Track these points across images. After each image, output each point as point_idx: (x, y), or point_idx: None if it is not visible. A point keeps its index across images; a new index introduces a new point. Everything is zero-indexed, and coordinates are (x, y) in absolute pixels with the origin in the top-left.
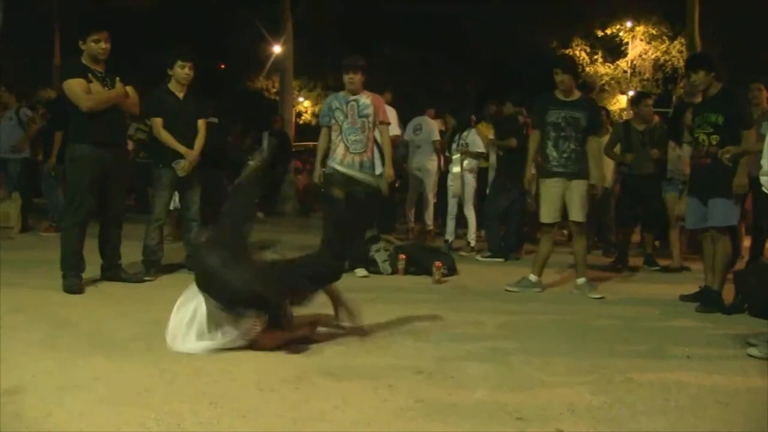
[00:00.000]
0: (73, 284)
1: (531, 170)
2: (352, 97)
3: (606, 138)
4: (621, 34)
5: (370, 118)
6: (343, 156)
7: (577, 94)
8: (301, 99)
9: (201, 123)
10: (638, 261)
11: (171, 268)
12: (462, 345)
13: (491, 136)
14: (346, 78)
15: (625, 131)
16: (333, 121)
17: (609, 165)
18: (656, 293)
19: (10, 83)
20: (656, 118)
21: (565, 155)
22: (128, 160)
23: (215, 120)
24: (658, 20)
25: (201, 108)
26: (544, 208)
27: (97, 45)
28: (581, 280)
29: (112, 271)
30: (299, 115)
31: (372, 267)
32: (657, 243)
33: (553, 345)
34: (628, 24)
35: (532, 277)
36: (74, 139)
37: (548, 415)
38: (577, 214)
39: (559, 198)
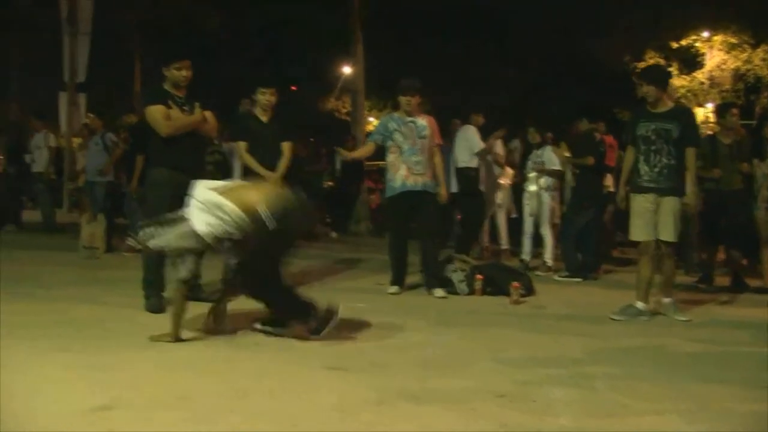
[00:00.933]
0: (155, 303)
1: (624, 188)
2: (409, 119)
3: None
4: (697, 44)
5: (428, 140)
6: (405, 178)
7: (668, 105)
8: (371, 119)
9: (285, 146)
10: (724, 281)
11: None
12: (543, 368)
13: (567, 154)
14: (403, 100)
15: (712, 146)
16: (390, 142)
17: None
18: (746, 316)
19: (97, 109)
20: (742, 131)
21: (656, 169)
22: None
23: None
24: (738, 29)
25: (286, 131)
26: (634, 224)
27: (178, 72)
28: (667, 300)
29: (191, 291)
30: (369, 134)
31: (448, 287)
32: (745, 261)
33: (638, 369)
34: (705, 34)
35: (639, 305)
36: (153, 162)
37: None
38: (667, 234)
39: (650, 214)
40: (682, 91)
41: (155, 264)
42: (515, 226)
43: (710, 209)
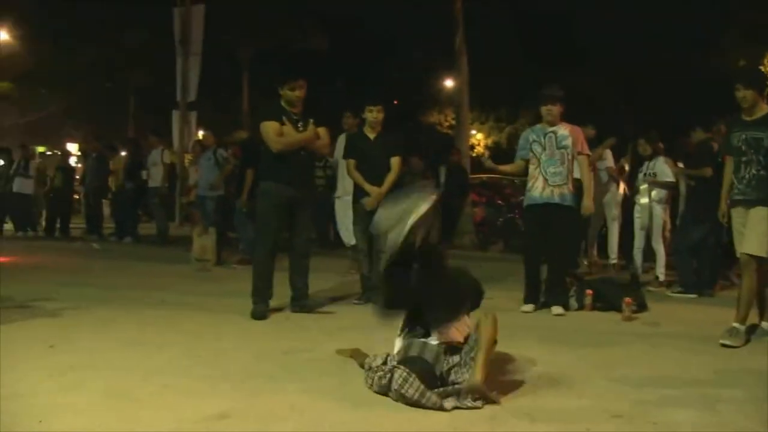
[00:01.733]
0: (260, 310)
1: (725, 203)
2: (550, 129)
3: None
4: None
5: (569, 150)
6: (542, 189)
7: (763, 111)
8: (473, 132)
9: (394, 161)
10: None
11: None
12: (661, 388)
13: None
14: (543, 109)
15: None
16: (531, 153)
17: None
18: None
19: (206, 125)
20: None
21: (744, 181)
22: (314, 197)
23: None
24: None
25: (394, 146)
26: (735, 241)
27: (292, 92)
28: (736, 325)
29: (299, 301)
30: (471, 147)
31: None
32: None
33: (764, 392)
34: None
35: (765, 325)
36: (264, 176)
37: None
38: (746, 244)
39: (744, 229)
40: None
41: (264, 271)
42: (626, 240)
43: None
